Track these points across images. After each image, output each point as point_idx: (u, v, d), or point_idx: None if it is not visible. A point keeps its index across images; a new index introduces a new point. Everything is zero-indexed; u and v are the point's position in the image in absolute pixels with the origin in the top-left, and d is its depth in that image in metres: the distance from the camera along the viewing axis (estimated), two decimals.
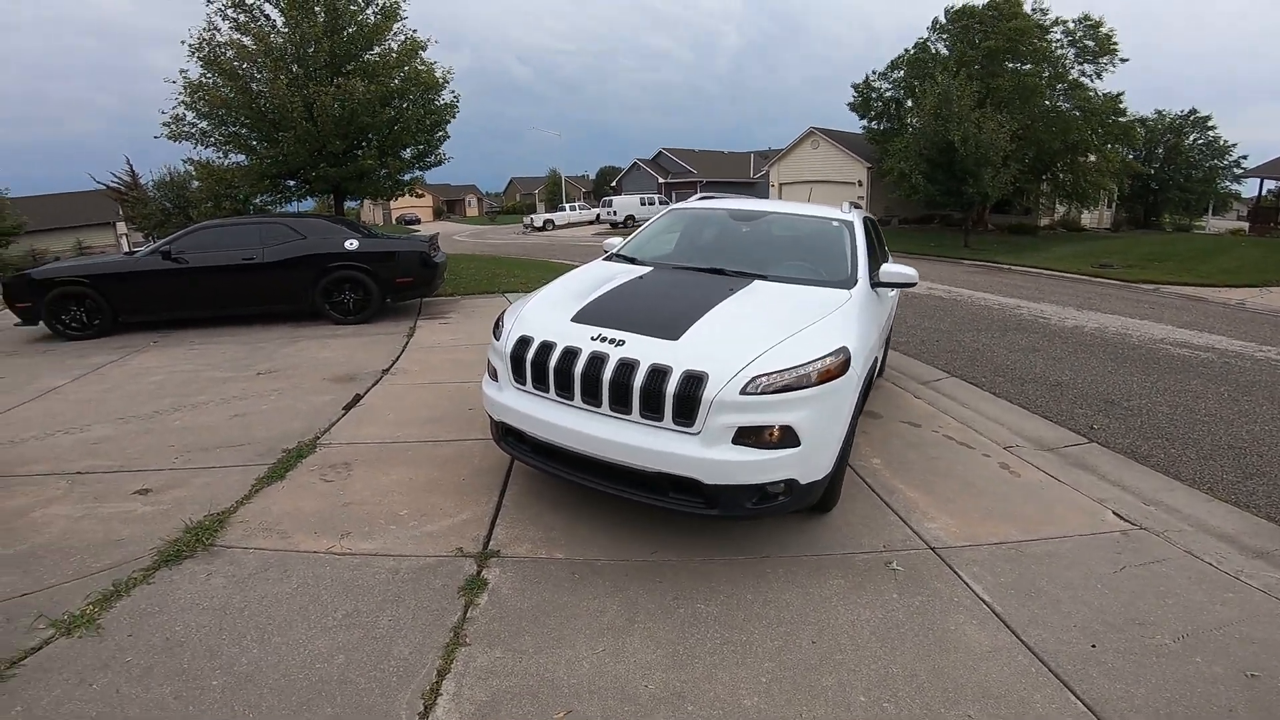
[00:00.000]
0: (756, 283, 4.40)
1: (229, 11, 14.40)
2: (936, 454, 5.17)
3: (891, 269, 4.84)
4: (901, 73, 34.60)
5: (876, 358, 5.22)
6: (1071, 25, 30.96)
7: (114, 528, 3.85)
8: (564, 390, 3.60)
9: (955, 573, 3.54)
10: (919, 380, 7.39)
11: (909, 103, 33.01)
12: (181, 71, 14.14)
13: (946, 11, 32.86)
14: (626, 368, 3.40)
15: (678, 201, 6.99)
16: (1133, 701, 2.66)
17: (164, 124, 14.52)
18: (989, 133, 23.96)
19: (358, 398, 6.23)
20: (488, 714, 2.52)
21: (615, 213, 45.74)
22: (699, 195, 7.06)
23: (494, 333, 4.18)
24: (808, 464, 3.38)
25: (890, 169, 31.32)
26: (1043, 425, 6.13)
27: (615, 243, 5.68)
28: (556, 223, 48.66)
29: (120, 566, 3.45)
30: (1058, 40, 31.23)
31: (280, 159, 14.62)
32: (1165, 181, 43.58)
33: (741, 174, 56.43)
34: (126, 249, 19.44)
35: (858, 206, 6.03)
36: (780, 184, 42.64)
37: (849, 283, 4.56)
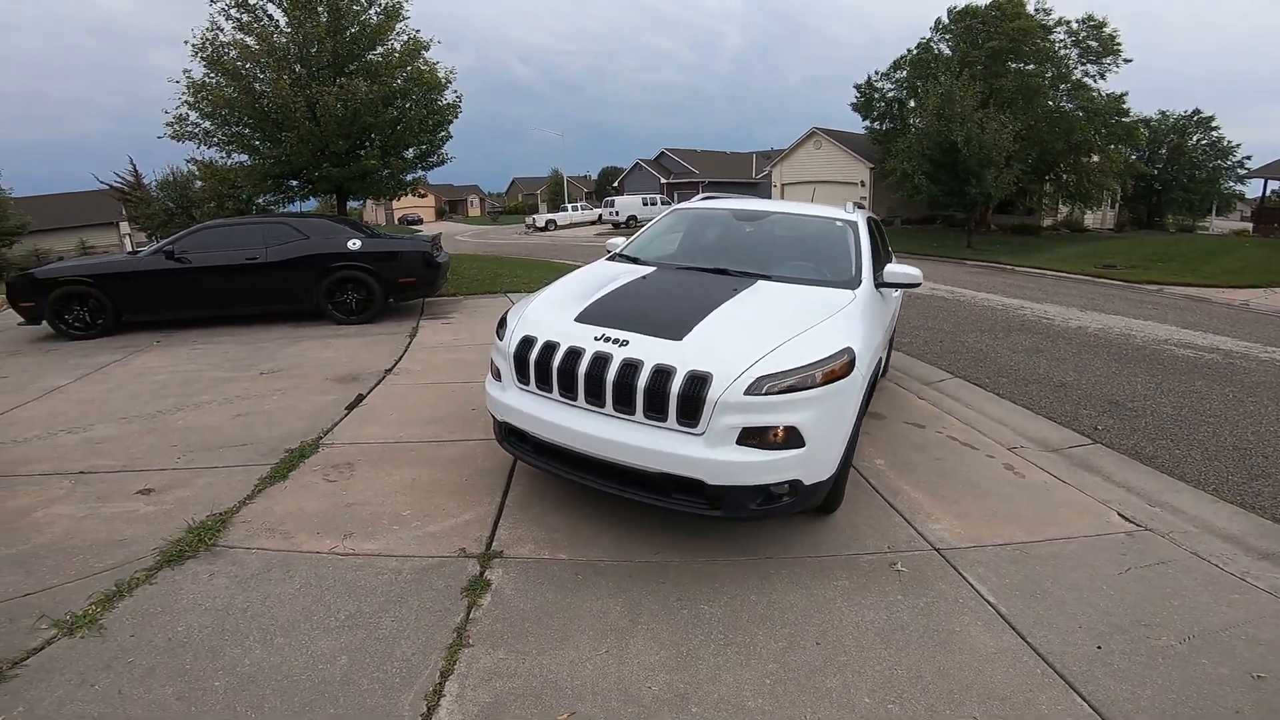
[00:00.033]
0: (760, 283, 4.39)
1: (232, 11, 14.43)
2: (940, 455, 5.16)
3: (895, 269, 4.82)
4: (904, 73, 34.58)
5: (881, 358, 5.21)
6: (1075, 25, 30.93)
7: (116, 527, 3.85)
8: (567, 390, 3.59)
9: (960, 574, 3.52)
10: (923, 381, 7.37)
11: (911, 103, 32.97)
12: (185, 71, 14.19)
13: (949, 12, 32.83)
14: (630, 368, 3.39)
15: (680, 202, 6.98)
16: (1139, 703, 2.65)
17: (167, 124, 14.56)
18: (992, 133, 23.92)
19: (360, 398, 6.23)
20: (491, 715, 2.52)
21: (617, 213, 45.73)
22: (702, 195, 7.05)
23: (497, 333, 4.17)
24: (812, 465, 3.37)
25: (893, 169, 31.32)
26: (1047, 426, 6.12)
27: (618, 243, 5.68)
28: (559, 223, 48.70)
29: (123, 566, 3.45)
30: (1061, 40, 31.18)
31: (283, 159, 14.65)
32: (1169, 182, 43.49)
33: (744, 174, 56.41)
34: (130, 249, 19.46)
35: (861, 206, 6.01)
36: (782, 184, 42.61)
37: (853, 283, 4.54)
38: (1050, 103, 30.49)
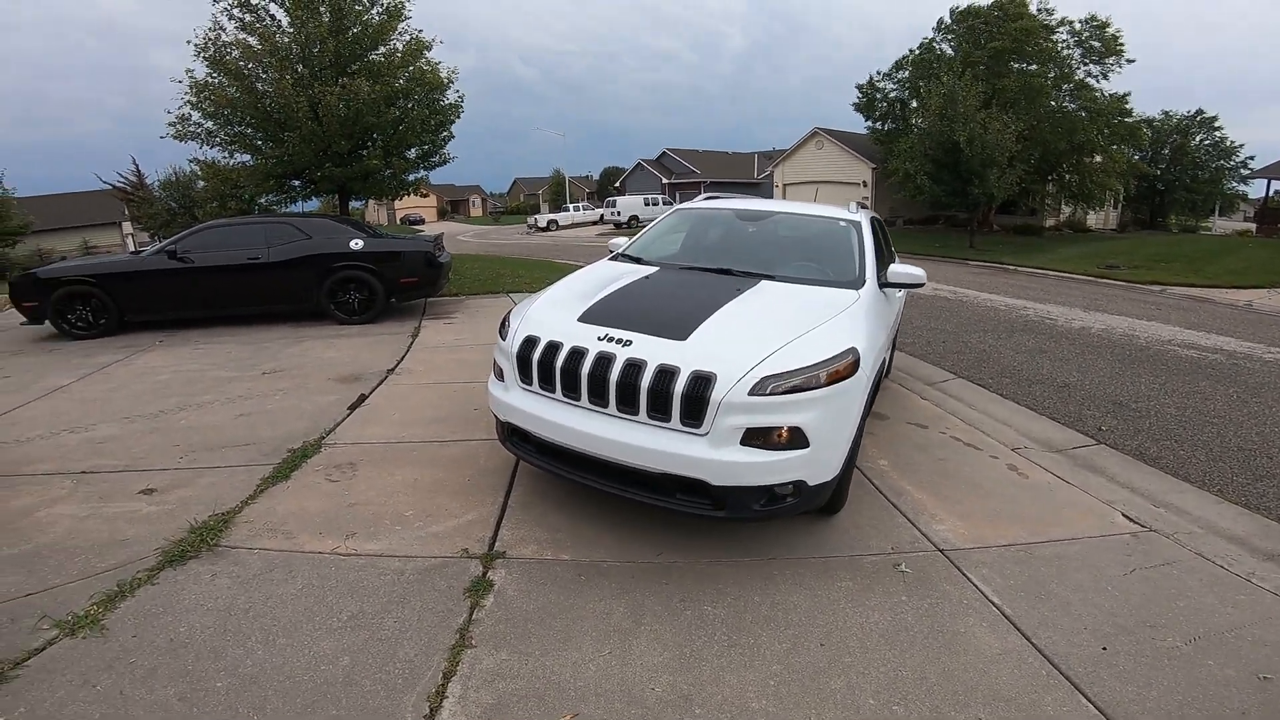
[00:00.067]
0: (764, 283, 4.38)
1: (234, 11, 14.44)
2: (944, 455, 5.14)
3: (899, 269, 4.81)
4: (906, 73, 34.56)
5: (885, 358, 5.20)
6: (1078, 26, 30.86)
7: (119, 527, 3.84)
8: (570, 390, 3.58)
9: (964, 575, 3.51)
10: (926, 381, 7.36)
11: (914, 103, 32.94)
12: (188, 71, 14.21)
13: (952, 12, 32.80)
14: (633, 368, 3.38)
15: (681, 202, 6.97)
16: (1144, 704, 2.64)
17: (170, 124, 14.58)
18: (994, 133, 23.89)
19: (363, 398, 6.22)
20: (493, 717, 2.51)
21: (619, 213, 45.74)
22: (704, 195, 7.04)
23: (500, 332, 4.16)
24: (816, 465, 3.36)
25: (895, 170, 31.28)
26: (1050, 427, 6.10)
27: (621, 242, 5.67)
28: (560, 223, 48.70)
29: (125, 567, 3.44)
30: (1063, 40, 31.13)
31: (285, 159, 14.66)
32: (1171, 182, 43.42)
33: (745, 174, 56.39)
34: (132, 249, 19.47)
35: (864, 206, 6.00)
36: (784, 184, 42.60)
37: (857, 283, 4.53)
38: (1053, 103, 30.46)
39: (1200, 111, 43.49)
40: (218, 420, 5.67)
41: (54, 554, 3.57)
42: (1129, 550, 3.84)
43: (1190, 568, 3.68)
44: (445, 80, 15.98)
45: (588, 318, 3.79)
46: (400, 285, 10.18)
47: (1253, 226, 34.94)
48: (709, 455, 3.23)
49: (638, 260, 5.18)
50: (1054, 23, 30.85)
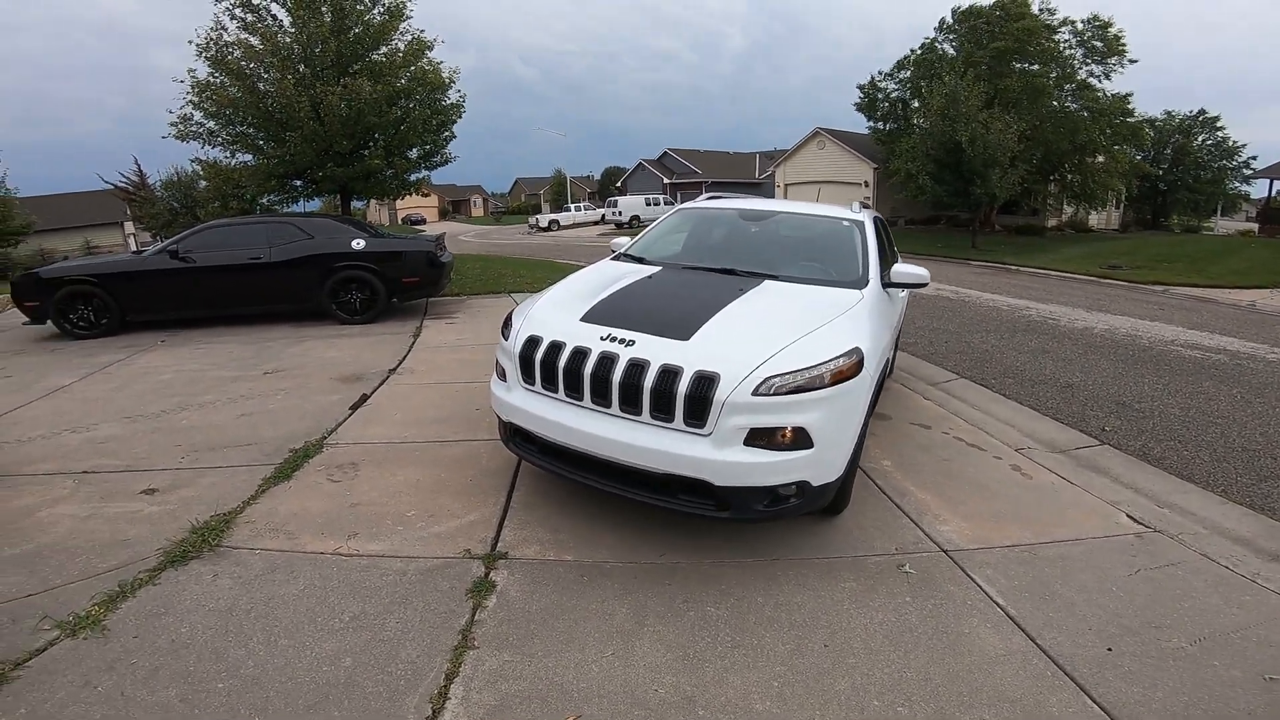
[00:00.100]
0: (767, 283, 4.37)
1: (236, 11, 14.44)
2: (947, 456, 5.13)
3: (903, 269, 4.80)
4: (908, 73, 34.55)
5: (888, 358, 5.18)
6: (1080, 26, 30.86)
7: (120, 528, 3.84)
8: (573, 390, 3.57)
9: (968, 575, 3.50)
10: (929, 381, 7.34)
11: (915, 103, 32.91)
12: (190, 71, 14.22)
13: (954, 12, 32.77)
14: (637, 368, 3.36)
15: (683, 202, 6.95)
16: (1150, 705, 2.63)
17: (171, 124, 14.60)
18: (996, 133, 23.89)
19: (364, 398, 6.22)
20: (496, 718, 2.50)
21: (620, 213, 45.75)
22: (706, 195, 7.03)
23: (502, 332, 4.15)
24: (820, 466, 3.35)
25: (897, 170, 31.28)
26: (1054, 427, 6.08)
27: (623, 242, 5.65)
28: (561, 223, 48.68)
29: (126, 567, 3.43)
30: (1066, 40, 31.12)
31: (287, 159, 14.66)
32: (1174, 182, 43.35)
33: (747, 174, 56.39)
34: (134, 248, 19.48)
35: (867, 206, 5.99)
36: (786, 184, 42.59)
37: (860, 283, 4.52)
38: (1055, 103, 30.45)
39: (1203, 111, 43.49)
40: (219, 420, 5.66)
41: (55, 554, 3.56)
42: (1133, 551, 3.83)
43: (1195, 568, 3.67)
44: (447, 80, 15.98)
45: (590, 317, 3.78)
46: (402, 285, 10.18)
47: (1255, 227, 34.88)
48: (712, 456, 3.22)
49: (640, 260, 5.16)
50: (1056, 22, 30.85)
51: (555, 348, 3.64)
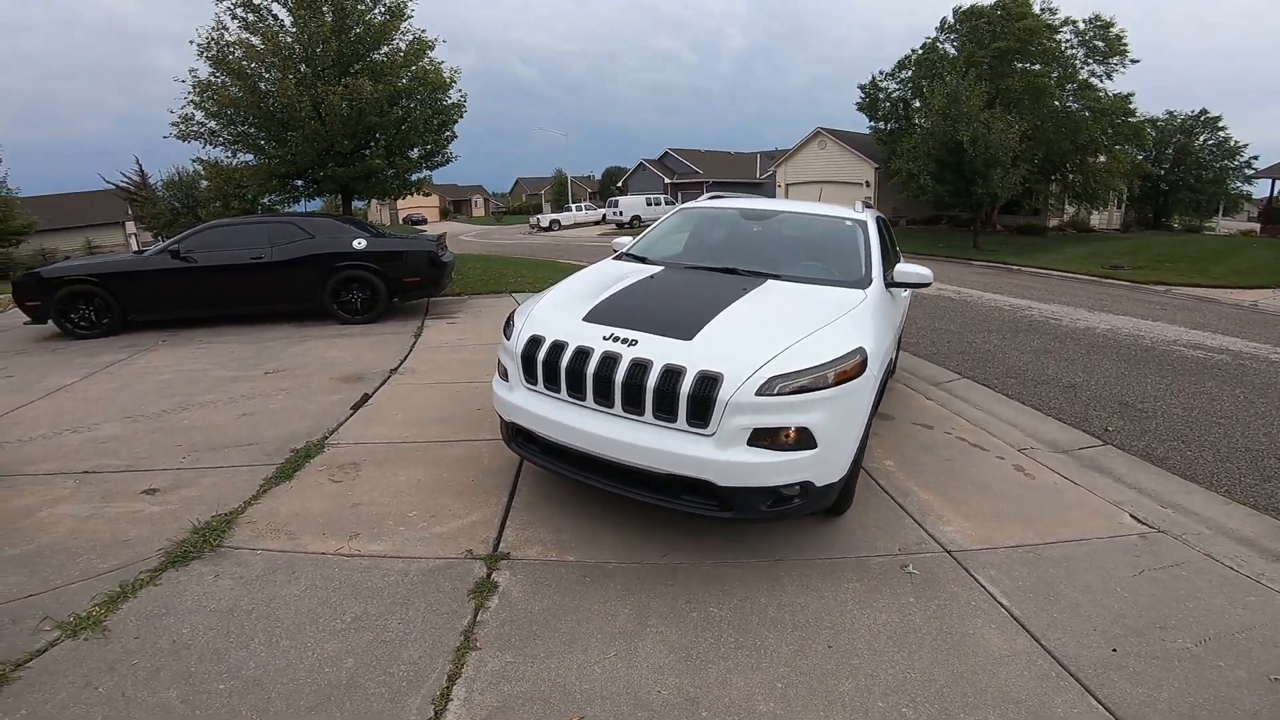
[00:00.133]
0: (770, 282, 4.35)
1: (238, 11, 14.44)
2: (950, 456, 5.12)
3: (906, 269, 4.79)
4: (909, 73, 34.50)
5: (891, 359, 5.17)
6: (1082, 25, 30.82)
7: (121, 528, 3.83)
8: (575, 390, 3.55)
9: (972, 576, 3.49)
10: (931, 381, 7.33)
11: (917, 103, 32.88)
12: (191, 71, 14.23)
13: (955, 12, 32.73)
14: (639, 368, 3.35)
15: (684, 202, 6.94)
16: (1155, 706, 2.62)
17: (173, 123, 14.61)
18: (998, 133, 23.85)
19: (366, 397, 6.21)
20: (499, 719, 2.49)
21: (621, 213, 45.78)
22: (708, 195, 7.02)
23: (504, 332, 4.14)
24: (824, 466, 3.33)
25: (898, 169, 31.24)
26: (1056, 427, 6.07)
27: (625, 242, 5.64)
28: (562, 223, 48.66)
29: (127, 567, 3.42)
30: (1067, 40, 31.08)
31: (288, 158, 14.66)
32: (1175, 182, 43.32)
33: (748, 174, 56.37)
34: (135, 248, 19.49)
35: (869, 206, 5.97)
36: (787, 184, 42.58)
37: (863, 282, 4.50)
38: (1056, 103, 30.40)
39: (1204, 111, 43.48)
40: (220, 420, 5.65)
41: (56, 554, 3.56)
42: (1137, 551, 3.82)
43: (1199, 569, 3.65)
44: (448, 80, 15.97)
45: (593, 317, 3.77)
46: (403, 285, 10.18)
47: (1257, 227, 34.84)
48: (715, 456, 3.20)
49: (642, 259, 5.15)
50: (1057, 22, 30.80)
51: (558, 347, 3.63)
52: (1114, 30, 30.27)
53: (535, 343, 3.74)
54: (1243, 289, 16.69)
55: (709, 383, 3.23)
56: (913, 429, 5.69)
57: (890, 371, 6.31)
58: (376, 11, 15.41)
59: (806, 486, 3.32)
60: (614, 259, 5.32)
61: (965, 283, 17.06)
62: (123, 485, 4.40)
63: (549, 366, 3.65)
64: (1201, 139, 43.64)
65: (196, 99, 14.23)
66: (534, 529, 3.86)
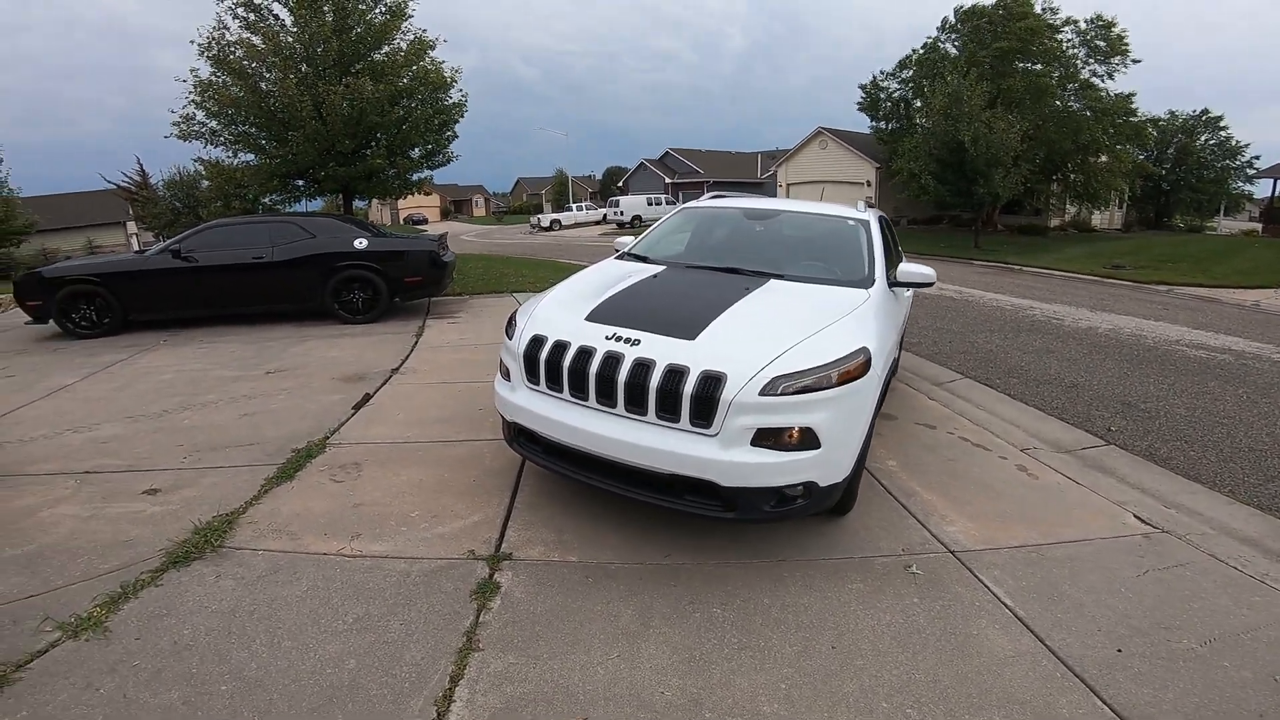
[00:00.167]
0: (773, 282, 4.34)
1: (238, 10, 14.43)
2: (953, 456, 5.11)
3: (909, 268, 4.78)
4: (910, 73, 34.50)
5: (894, 358, 5.16)
6: (1083, 25, 30.80)
7: (122, 528, 3.82)
8: (578, 390, 3.54)
9: (976, 576, 3.47)
10: (933, 381, 7.32)
11: (918, 103, 32.87)
12: (192, 70, 14.22)
13: (956, 11, 32.71)
14: (642, 368, 3.34)
15: (685, 202, 6.93)
16: (1161, 706, 2.61)
17: (174, 123, 14.60)
18: (999, 133, 23.84)
19: (367, 397, 6.20)
20: None
21: (622, 213, 45.77)
22: (710, 194, 7.01)
23: (506, 332, 4.13)
24: (827, 466, 3.32)
25: (899, 169, 31.21)
26: (1059, 427, 6.05)
27: (626, 241, 5.63)
28: (563, 223, 48.63)
29: (128, 568, 3.41)
30: (1069, 40, 31.06)
31: (289, 158, 14.66)
32: (1177, 182, 43.28)
33: (749, 174, 56.35)
34: (136, 248, 19.49)
35: (871, 205, 5.96)
36: (788, 184, 42.57)
37: (867, 282, 4.49)
38: (1058, 102, 30.38)
39: (1206, 111, 43.40)
40: (221, 420, 5.64)
41: (57, 555, 3.55)
42: (1141, 551, 3.81)
43: (1204, 569, 3.64)
44: (448, 79, 15.96)
45: (595, 317, 3.75)
46: (404, 284, 10.18)
47: (1258, 226, 34.83)
48: (719, 456, 3.19)
49: (644, 259, 5.14)
50: (1059, 22, 30.77)
51: (560, 347, 3.62)
52: (1115, 30, 30.26)
53: (538, 342, 3.73)
54: (1245, 289, 16.66)
55: (712, 383, 3.22)
56: (915, 429, 5.68)
57: (893, 371, 6.30)
58: (377, 11, 15.40)
59: (810, 487, 3.31)
60: (616, 258, 5.31)
61: (967, 282, 17.05)
62: (124, 485, 4.39)
63: (551, 366, 3.64)
64: (1203, 139, 43.58)
65: (197, 99, 14.22)
66: (536, 529, 3.85)
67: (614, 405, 3.42)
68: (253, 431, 5.35)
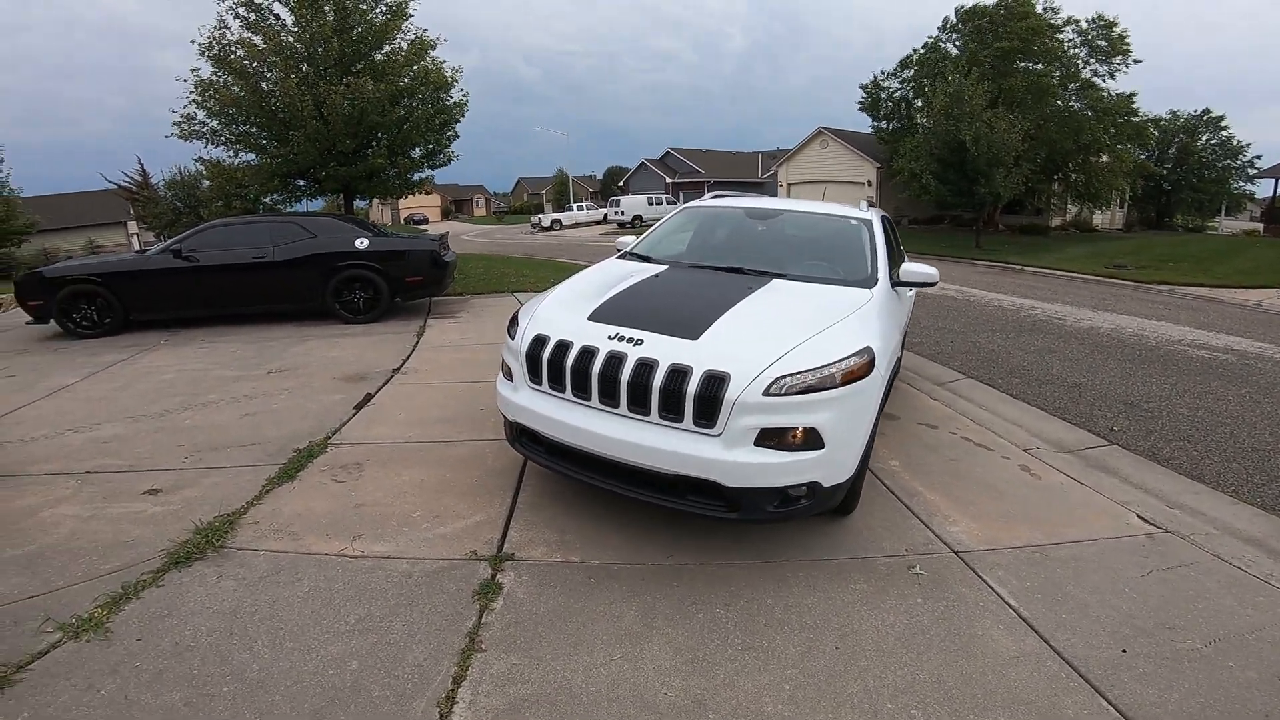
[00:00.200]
0: (776, 281, 4.33)
1: (239, 10, 14.41)
2: (955, 456, 5.09)
3: (912, 268, 4.77)
4: (911, 72, 34.50)
5: (898, 358, 5.15)
6: (1084, 25, 30.80)
7: (123, 528, 3.81)
8: (581, 390, 3.53)
9: (979, 576, 3.46)
10: (935, 381, 7.31)
11: (919, 103, 32.86)
12: (193, 70, 14.20)
13: (957, 11, 32.70)
14: (645, 368, 3.33)
15: (686, 201, 6.92)
16: (1166, 706, 2.60)
17: (175, 123, 14.59)
18: (1001, 133, 23.84)
19: (368, 397, 6.19)
20: None
21: (623, 213, 45.74)
22: (712, 194, 6.99)
23: (509, 331, 4.12)
24: (831, 466, 3.31)
25: (900, 169, 31.21)
26: (1061, 427, 6.04)
27: (628, 241, 5.62)
28: (564, 223, 48.58)
29: (129, 568, 3.41)
30: (1070, 40, 31.05)
31: (290, 158, 14.64)
32: (1178, 182, 43.24)
33: (749, 174, 56.35)
34: (138, 248, 19.49)
35: (873, 205, 5.95)
36: (789, 184, 42.57)
37: (869, 282, 4.48)
38: (1059, 102, 30.38)
39: (1207, 111, 43.35)
40: (223, 420, 5.64)
41: (58, 555, 3.54)
42: (1145, 552, 3.80)
43: (1208, 569, 3.63)
44: (449, 79, 15.94)
45: (598, 316, 3.74)
46: (405, 284, 10.17)
47: (1260, 226, 34.80)
48: (722, 456, 3.18)
49: (646, 259, 5.13)
50: (1060, 22, 30.76)
51: (562, 347, 3.61)
52: (1117, 30, 30.24)
53: (540, 342, 3.72)
54: (1246, 289, 16.66)
55: (716, 382, 3.21)
56: (918, 429, 5.67)
57: (896, 371, 6.29)
58: (378, 11, 15.38)
59: (814, 487, 3.30)
60: (617, 258, 5.30)
61: (968, 282, 17.05)
62: (125, 485, 4.38)
63: (554, 366, 3.63)
64: (1204, 139, 43.53)
65: (198, 98, 14.21)
66: (538, 530, 3.84)
67: (617, 405, 3.41)
68: (254, 431, 5.34)
